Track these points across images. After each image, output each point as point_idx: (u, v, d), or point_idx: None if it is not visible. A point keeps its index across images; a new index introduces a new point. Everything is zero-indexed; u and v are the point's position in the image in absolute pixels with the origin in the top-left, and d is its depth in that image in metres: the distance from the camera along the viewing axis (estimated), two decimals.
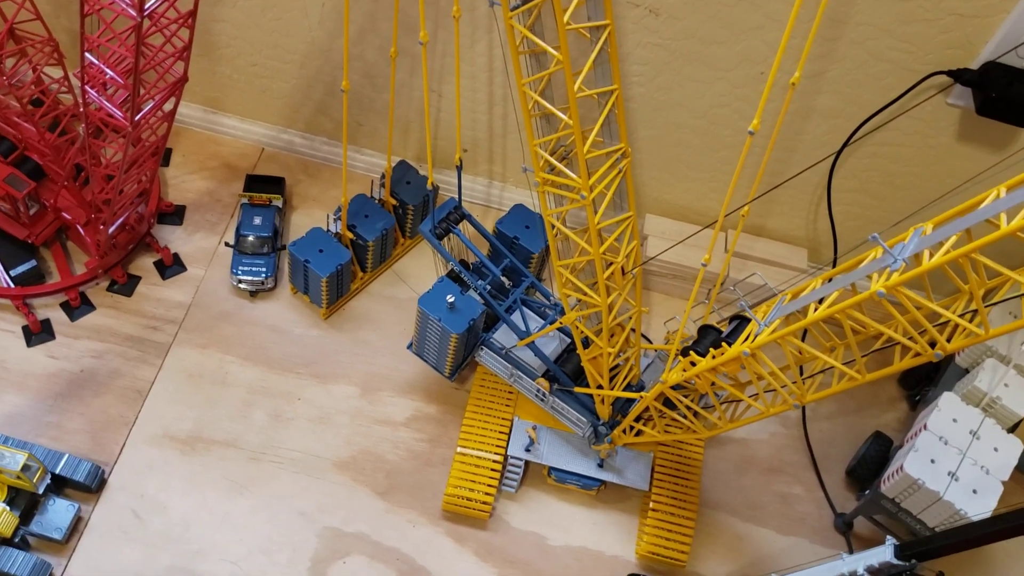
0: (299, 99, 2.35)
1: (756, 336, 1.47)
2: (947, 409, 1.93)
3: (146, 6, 1.30)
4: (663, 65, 1.99)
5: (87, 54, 1.46)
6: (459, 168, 2.01)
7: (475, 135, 2.32)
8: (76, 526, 1.88)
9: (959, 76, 1.83)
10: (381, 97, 2.27)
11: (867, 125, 1.97)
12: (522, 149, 2.29)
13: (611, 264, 1.64)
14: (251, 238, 2.21)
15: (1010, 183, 1.15)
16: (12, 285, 2.09)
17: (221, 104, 2.43)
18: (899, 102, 1.91)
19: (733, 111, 2.06)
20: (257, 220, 2.24)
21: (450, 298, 1.85)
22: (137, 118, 1.59)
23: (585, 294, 1.66)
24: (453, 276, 1.96)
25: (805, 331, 1.40)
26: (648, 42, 1.94)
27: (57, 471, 1.86)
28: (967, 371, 2.09)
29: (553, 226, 1.62)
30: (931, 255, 1.19)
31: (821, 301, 1.38)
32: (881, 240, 1.27)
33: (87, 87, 1.53)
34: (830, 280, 1.41)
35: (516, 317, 1.94)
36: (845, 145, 2.01)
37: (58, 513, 1.86)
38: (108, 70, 1.49)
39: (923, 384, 2.23)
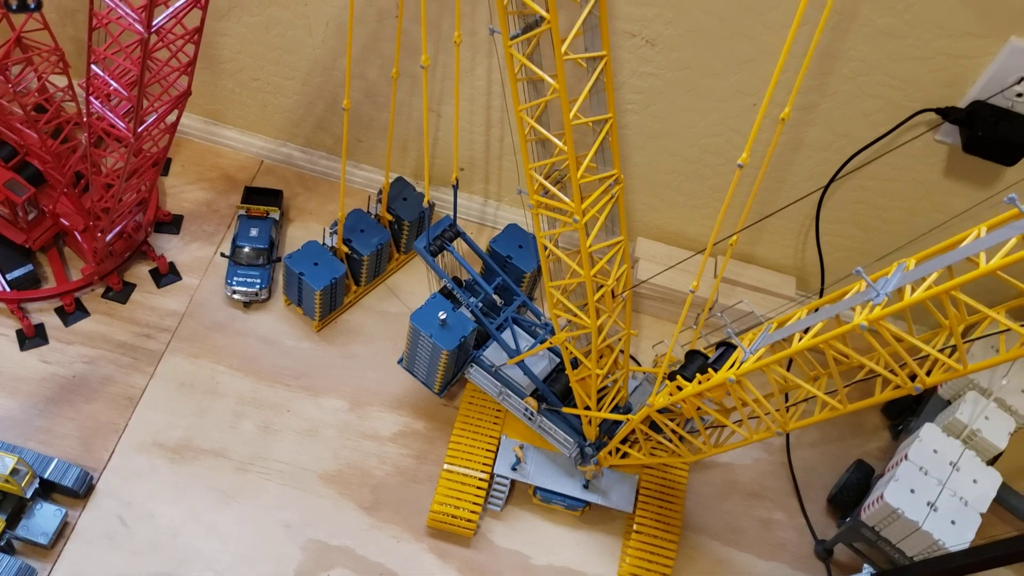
0: (300, 114, 2.38)
1: (742, 363, 1.49)
2: (928, 440, 1.96)
3: (154, 22, 1.33)
4: (658, 94, 2.02)
5: (93, 66, 1.48)
6: (455, 187, 2.04)
7: (472, 155, 2.35)
8: (62, 531, 1.89)
9: (947, 114, 1.87)
10: (381, 115, 2.30)
11: (856, 158, 2.00)
12: (517, 171, 2.32)
13: (601, 287, 1.66)
14: (247, 249, 2.23)
15: (990, 223, 1.19)
16: (8, 289, 2.11)
17: (222, 116, 2.46)
18: (888, 137, 1.95)
19: (725, 141, 2.09)
20: (254, 232, 2.26)
21: (442, 315, 1.88)
22: (140, 130, 1.62)
23: (575, 315, 1.69)
24: (446, 293, 1.99)
25: (790, 360, 1.42)
26: (644, 71, 1.98)
27: (45, 476, 1.87)
28: (949, 403, 2.12)
29: (546, 247, 1.65)
30: (913, 290, 1.22)
31: (806, 331, 1.41)
32: (864, 274, 1.30)
33: (91, 98, 1.55)
34: (816, 311, 1.44)
35: (507, 335, 1.97)
36: (834, 178, 2.04)
37: (45, 518, 1.87)
38: (113, 82, 1.52)
39: (906, 414, 2.26)
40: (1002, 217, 1.16)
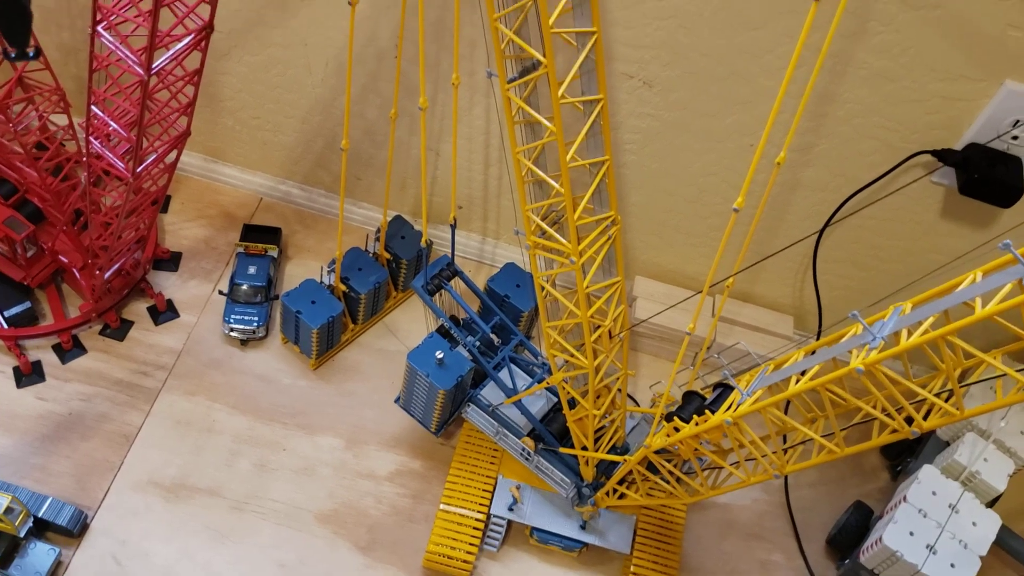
0: (299, 152, 2.40)
1: (739, 405, 1.49)
2: (927, 482, 1.95)
3: (154, 65, 1.34)
4: (655, 135, 2.04)
5: (93, 107, 1.49)
6: (453, 227, 2.05)
7: (470, 193, 2.36)
8: (56, 571, 1.88)
9: (943, 156, 1.88)
10: (379, 153, 2.31)
11: (853, 199, 2.01)
12: (515, 210, 2.33)
13: (599, 327, 1.66)
14: (245, 287, 2.24)
15: (986, 268, 1.19)
16: (6, 326, 2.11)
17: (222, 154, 2.48)
18: (885, 179, 1.95)
19: (722, 180, 2.10)
20: (252, 269, 2.26)
21: (439, 354, 1.88)
22: (139, 170, 1.62)
23: (572, 355, 1.69)
24: (443, 332, 1.98)
25: (787, 402, 1.42)
26: (641, 112, 1.99)
27: (40, 514, 1.86)
28: (947, 444, 2.11)
29: (543, 288, 1.65)
30: (910, 334, 1.22)
31: (803, 373, 1.41)
32: (861, 318, 1.30)
33: (91, 137, 1.56)
34: (813, 353, 1.44)
35: (504, 375, 1.96)
36: (829, 221, 2.05)
37: (38, 557, 1.85)
38: (112, 122, 1.53)
39: (904, 455, 2.25)
40: (997, 262, 1.16)
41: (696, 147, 2.04)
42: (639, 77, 1.93)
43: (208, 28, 1.41)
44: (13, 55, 1.24)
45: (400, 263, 2.27)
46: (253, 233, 2.35)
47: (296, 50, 2.11)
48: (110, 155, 1.56)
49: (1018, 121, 1.81)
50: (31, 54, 1.26)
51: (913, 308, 1.27)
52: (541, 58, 1.34)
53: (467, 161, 2.27)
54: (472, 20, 1.72)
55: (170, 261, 2.34)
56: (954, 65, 1.75)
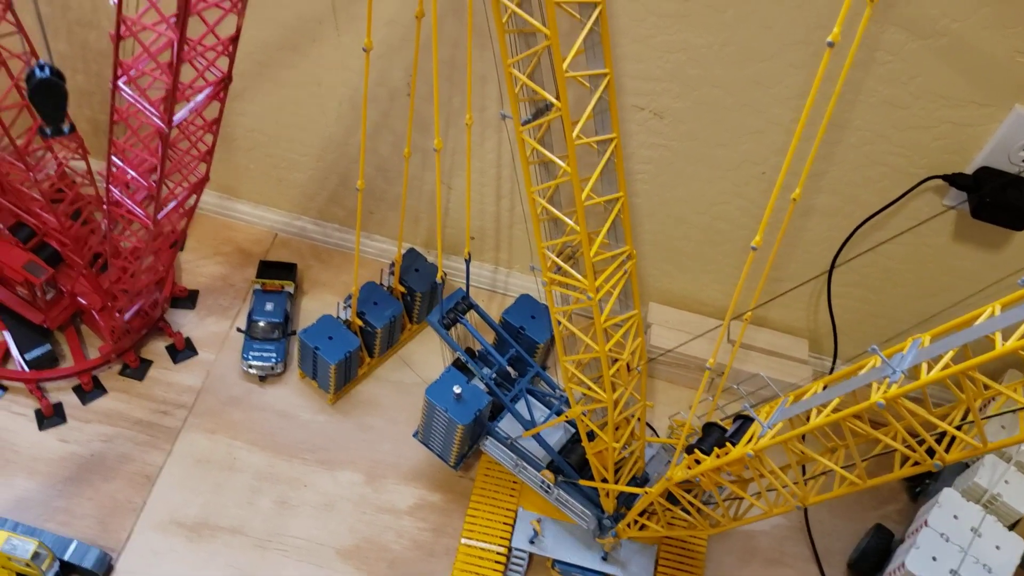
0: (314, 189, 2.42)
1: (760, 438, 1.50)
2: (948, 505, 1.95)
3: (175, 118, 1.36)
4: (667, 164, 2.05)
5: (113, 157, 1.51)
6: (467, 262, 2.06)
7: (483, 224, 2.38)
8: None
9: (954, 180, 1.89)
10: (392, 188, 2.33)
11: (866, 224, 2.02)
12: (528, 241, 2.34)
13: (617, 360, 1.67)
14: (262, 324, 2.25)
15: (1004, 301, 1.20)
16: (27, 369, 2.13)
17: (237, 191, 2.50)
18: (897, 202, 1.96)
19: (735, 208, 2.11)
20: (269, 306, 2.28)
21: (457, 389, 1.89)
22: (160, 217, 1.64)
23: (591, 388, 1.70)
24: (459, 365, 2.00)
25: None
26: (652, 143, 2.01)
27: (65, 558, 1.87)
28: (967, 465, 2.11)
29: (560, 322, 1.66)
30: (930, 367, 1.23)
31: (824, 404, 1.42)
32: (879, 350, 1.31)
33: (111, 187, 1.58)
34: (831, 385, 1.45)
35: (521, 406, 1.97)
36: (843, 247, 2.06)
37: None
38: (131, 171, 1.55)
39: (924, 476, 2.24)
40: (1015, 296, 1.17)
41: (708, 176, 2.06)
42: (650, 108, 1.95)
43: (227, 80, 1.43)
44: (49, 131, 1.28)
45: (415, 296, 2.29)
46: (269, 269, 2.37)
47: (310, 90, 2.13)
48: (130, 203, 1.58)
49: None
50: (65, 130, 1.30)
51: (932, 341, 1.28)
52: (555, 101, 1.35)
53: (479, 194, 2.29)
54: (483, 56, 1.74)
55: (188, 299, 2.36)
56: (962, 91, 1.76)
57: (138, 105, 1.36)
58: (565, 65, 1.31)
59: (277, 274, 2.36)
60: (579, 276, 1.55)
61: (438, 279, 2.02)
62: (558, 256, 1.58)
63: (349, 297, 2.18)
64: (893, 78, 1.76)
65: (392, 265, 2.26)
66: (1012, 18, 1.63)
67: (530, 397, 1.99)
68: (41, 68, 1.23)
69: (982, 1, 1.63)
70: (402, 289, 2.27)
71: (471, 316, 2.08)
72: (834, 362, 2.34)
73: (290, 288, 2.34)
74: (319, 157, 2.32)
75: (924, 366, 1.24)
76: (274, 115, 2.22)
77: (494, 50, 1.37)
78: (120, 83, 1.34)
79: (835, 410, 1.38)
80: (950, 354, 1.20)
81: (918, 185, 1.91)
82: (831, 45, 1.20)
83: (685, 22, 1.78)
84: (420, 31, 1.70)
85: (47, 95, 1.23)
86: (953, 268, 2.08)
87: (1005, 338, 1.14)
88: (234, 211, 2.53)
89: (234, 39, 1.34)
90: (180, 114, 1.38)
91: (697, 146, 2.00)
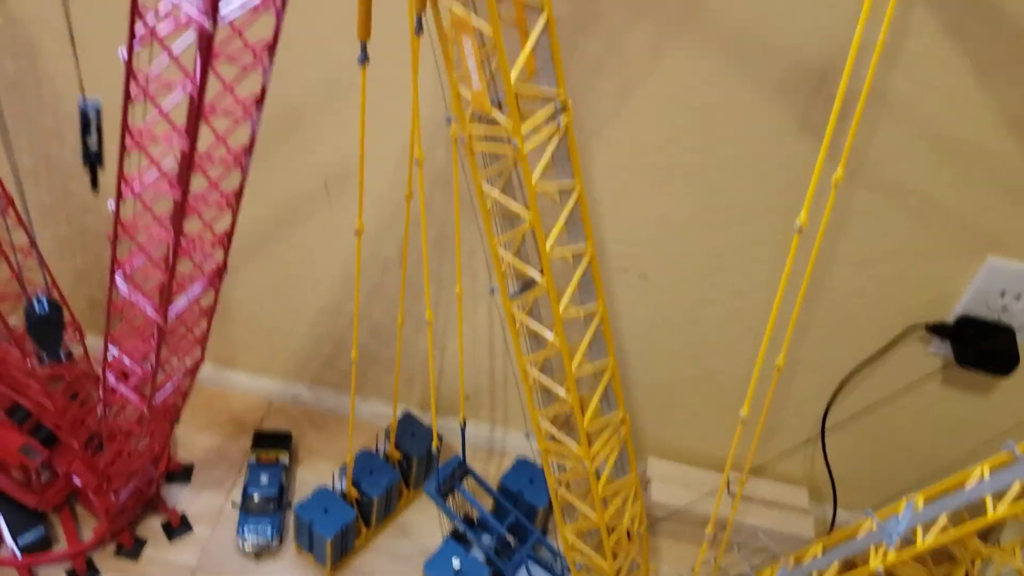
0: (308, 355, 2.45)
1: None
2: None
3: (171, 312, 1.40)
4: (655, 324, 2.09)
5: (110, 346, 1.54)
6: (463, 429, 2.07)
7: (477, 382, 2.39)
8: None
9: (936, 330, 1.92)
10: (387, 351, 2.36)
11: (856, 375, 2.05)
12: (521, 404, 2.35)
13: (615, 528, 1.66)
14: (257, 498, 2.24)
15: (992, 462, 1.21)
16: (20, 555, 2.09)
17: (231, 362, 2.52)
18: (884, 354, 2.00)
19: (727, 361, 2.14)
20: (264, 479, 2.27)
21: (456, 562, 1.86)
22: (156, 402, 1.66)
23: (591, 559, 1.68)
24: (457, 535, 1.97)
25: None
26: (640, 303, 2.05)
27: None
28: None
29: (557, 491, 1.66)
30: (925, 530, 1.23)
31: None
32: (874, 515, 1.31)
33: (108, 372, 1.61)
34: (831, 548, 1.44)
35: (523, 574, 1.94)
36: (831, 402, 2.08)
37: None
38: (127, 359, 1.57)
39: None
40: (1002, 459, 1.18)
41: (696, 332, 2.09)
42: (634, 271, 2.00)
43: (223, 270, 1.47)
44: (46, 358, 1.32)
45: (411, 461, 2.28)
46: (264, 440, 2.37)
47: (303, 265, 2.19)
48: (125, 389, 1.60)
49: (1005, 291, 1.86)
50: (63, 356, 1.34)
51: (926, 503, 1.29)
52: (538, 278, 1.40)
53: (473, 353, 2.31)
54: (472, 229, 1.80)
55: (183, 473, 2.34)
56: (935, 246, 1.82)
57: (132, 298, 1.39)
58: (549, 244, 1.36)
59: (272, 444, 2.36)
60: (574, 445, 1.56)
61: (433, 449, 2.02)
62: (552, 421, 1.60)
63: (344, 467, 2.17)
64: (868, 240, 1.82)
65: (387, 430, 2.26)
66: (974, 177, 1.70)
67: (532, 564, 1.96)
68: (40, 302, 1.29)
69: (943, 162, 1.71)
70: (398, 455, 2.27)
71: (469, 481, 2.07)
72: (834, 513, 2.32)
73: (285, 459, 2.33)
74: (313, 325, 2.36)
75: (920, 529, 1.24)
76: (268, 289, 2.28)
77: (480, 229, 1.43)
78: (117, 278, 1.38)
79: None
80: (944, 518, 1.21)
81: (899, 337, 1.95)
82: (800, 231, 1.25)
83: (663, 194, 1.85)
84: (409, 211, 1.77)
85: (46, 329, 1.29)
86: (945, 415, 2.10)
87: (996, 499, 1.14)
88: (228, 381, 2.54)
89: (229, 234, 1.39)
90: (177, 307, 1.41)
91: (684, 306, 2.04)
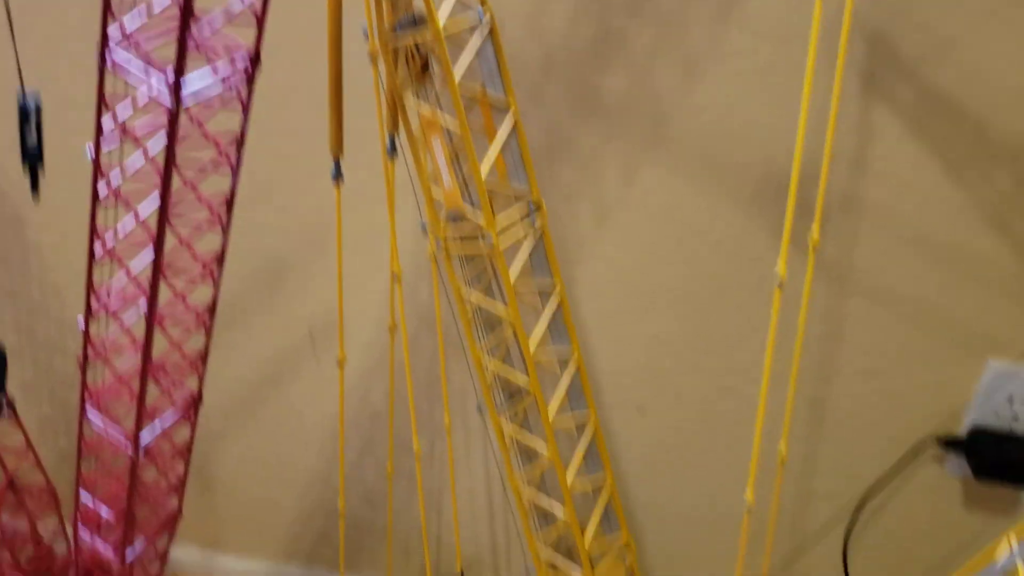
0: (299, 529, 2.34)
1: None
2: None
3: (142, 439, 1.34)
4: (658, 458, 2.01)
5: (82, 490, 1.47)
6: None
7: (478, 551, 2.27)
8: None
9: (950, 444, 1.84)
10: (381, 518, 2.26)
11: (873, 501, 1.95)
12: (524, 558, 2.23)
13: None
14: None
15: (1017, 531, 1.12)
16: None
17: (220, 543, 2.41)
18: (898, 471, 1.91)
19: (729, 492, 2.04)
20: None
21: None
22: (130, 559, 1.57)
23: None
24: None
25: None
26: (639, 438, 1.98)
27: None
28: None
29: None
30: None
31: None
32: None
33: (80, 524, 1.53)
34: None
35: None
36: (849, 534, 1.97)
37: None
38: (102, 508, 1.50)
39: None
40: None
41: (699, 461, 2.01)
42: (630, 404, 1.94)
43: (198, 400, 1.43)
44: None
45: None
46: None
47: (290, 425, 2.14)
48: (100, 541, 1.51)
49: (1012, 397, 1.80)
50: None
51: None
52: (523, 383, 1.36)
53: (471, 517, 2.21)
54: (459, 367, 1.76)
55: None
56: (936, 352, 1.77)
57: (104, 431, 1.34)
58: (532, 346, 1.32)
59: None
60: (577, 572, 1.46)
61: None
62: (554, 547, 1.51)
63: None
64: (866, 350, 1.78)
65: None
66: (963, 278, 1.69)
67: None
68: None
69: (929, 266, 1.70)
70: None
71: None
72: None
73: None
74: (303, 495, 2.27)
75: None
76: (255, 454, 2.21)
77: (465, 353, 1.40)
78: (88, 411, 1.33)
79: None
80: None
81: (912, 455, 1.87)
82: (780, 285, 1.23)
83: (651, 314, 1.83)
84: (394, 344, 1.74)
85: None
86: (970, 539, 1.98)
87: None
88: (218, 567, 2.42)
89: (203, 356, 1.36)
90: (148, 437, 1.35)
91: (685, 437, 1.97)
